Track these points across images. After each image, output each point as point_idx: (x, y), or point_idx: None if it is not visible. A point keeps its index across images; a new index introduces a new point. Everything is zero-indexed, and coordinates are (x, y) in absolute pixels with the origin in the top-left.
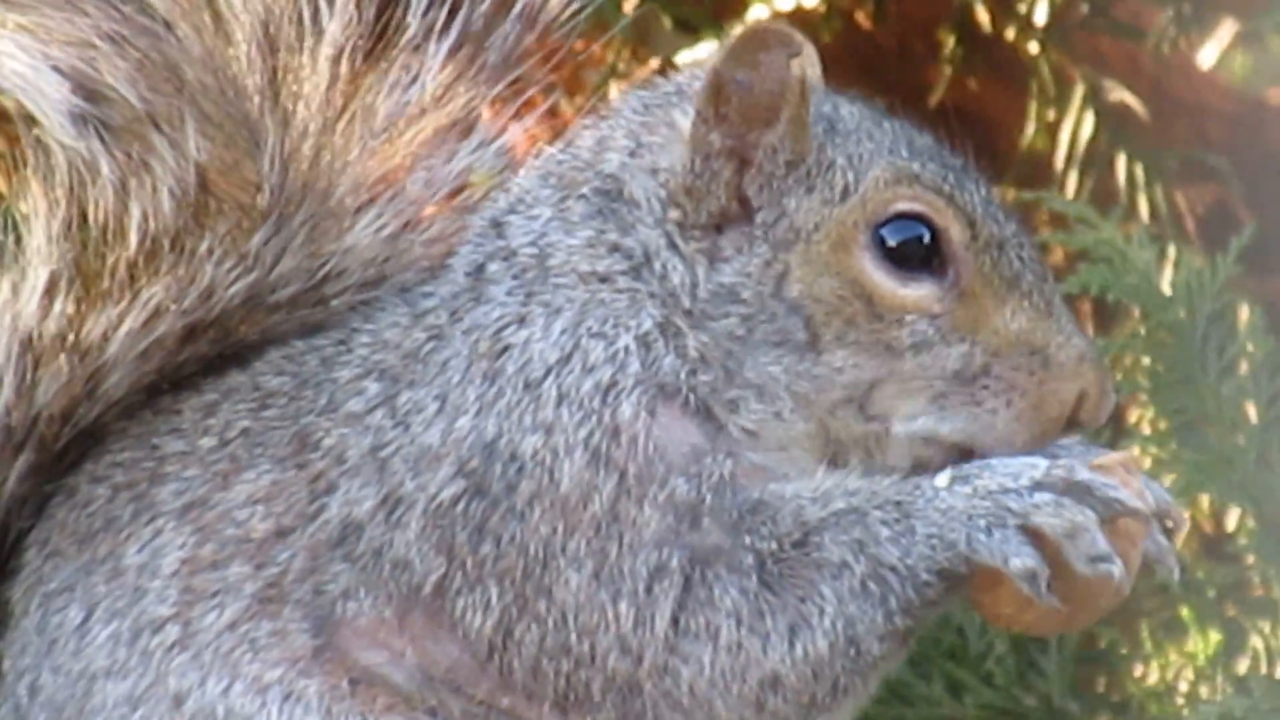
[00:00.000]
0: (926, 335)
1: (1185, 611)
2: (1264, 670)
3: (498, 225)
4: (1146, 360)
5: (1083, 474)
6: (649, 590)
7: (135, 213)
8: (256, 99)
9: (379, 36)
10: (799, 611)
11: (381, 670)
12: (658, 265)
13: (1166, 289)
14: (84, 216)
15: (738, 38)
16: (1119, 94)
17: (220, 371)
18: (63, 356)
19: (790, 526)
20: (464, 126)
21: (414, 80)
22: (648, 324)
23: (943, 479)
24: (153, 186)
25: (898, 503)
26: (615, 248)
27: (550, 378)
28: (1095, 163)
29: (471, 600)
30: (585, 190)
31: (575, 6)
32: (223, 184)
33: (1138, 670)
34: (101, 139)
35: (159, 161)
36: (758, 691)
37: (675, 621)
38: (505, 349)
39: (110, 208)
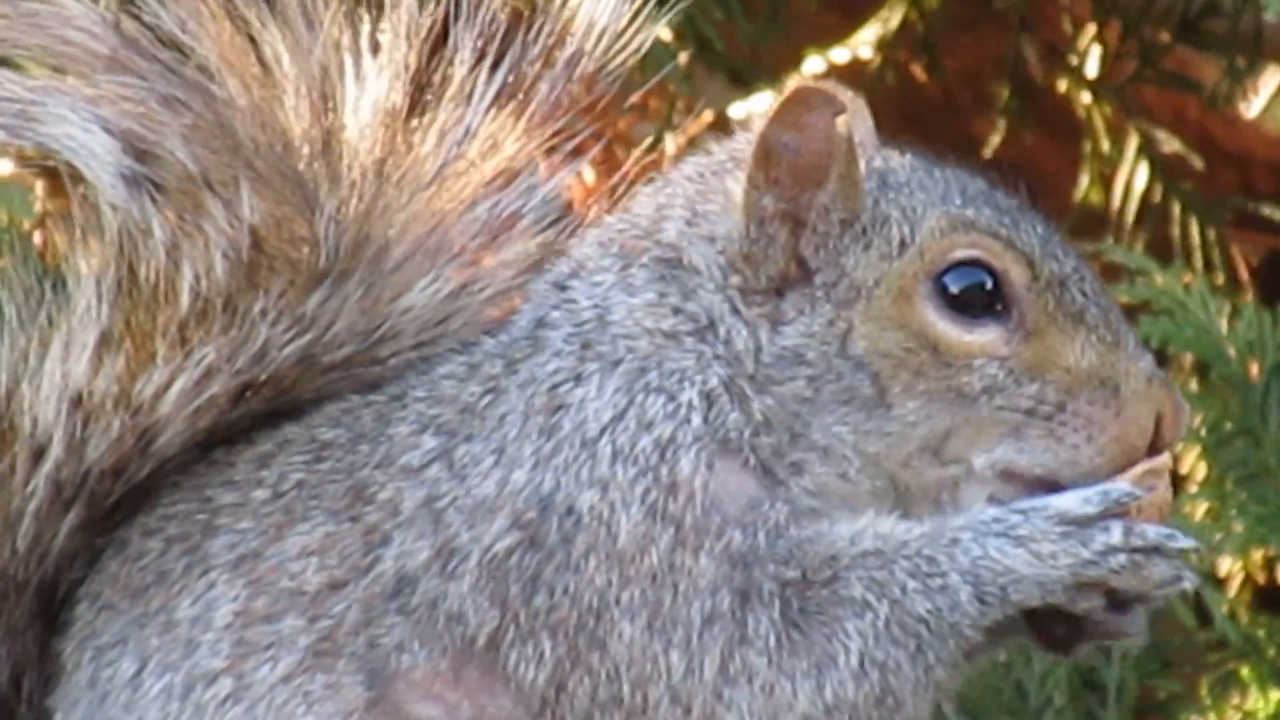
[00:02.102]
0: (997, 378)
1: (1244, 670)
2: None
3: (561, 287)
4: (1207, 413)
5: (1153, 537)
6: (700, 637)
7: (187, 274)
8: (306, 153)
9: (425, 87)
10: (825, 650)
11: None
12: (722, 330)
13: (1226, 341)
14: (134, 276)
15: (781, 101)
16: (1171, 145)
17: (274, 425)
18: (113, 414)
19: (820, 562)
20: (510, 174)
21: (461, 131)
22: (714, 381)
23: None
24: (205, 247)
25: (930, 558)
26: (679, 310)
27: (605, 435)
28: (1150, 214)
29: (524, 652)
30: (645, 259)
31: (621, 57)
32: (274, 241)
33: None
34: (153, 200)
35: (212, 223)
36: None
37: (723, 667)
38: (561, 407)
39: (161, 268)
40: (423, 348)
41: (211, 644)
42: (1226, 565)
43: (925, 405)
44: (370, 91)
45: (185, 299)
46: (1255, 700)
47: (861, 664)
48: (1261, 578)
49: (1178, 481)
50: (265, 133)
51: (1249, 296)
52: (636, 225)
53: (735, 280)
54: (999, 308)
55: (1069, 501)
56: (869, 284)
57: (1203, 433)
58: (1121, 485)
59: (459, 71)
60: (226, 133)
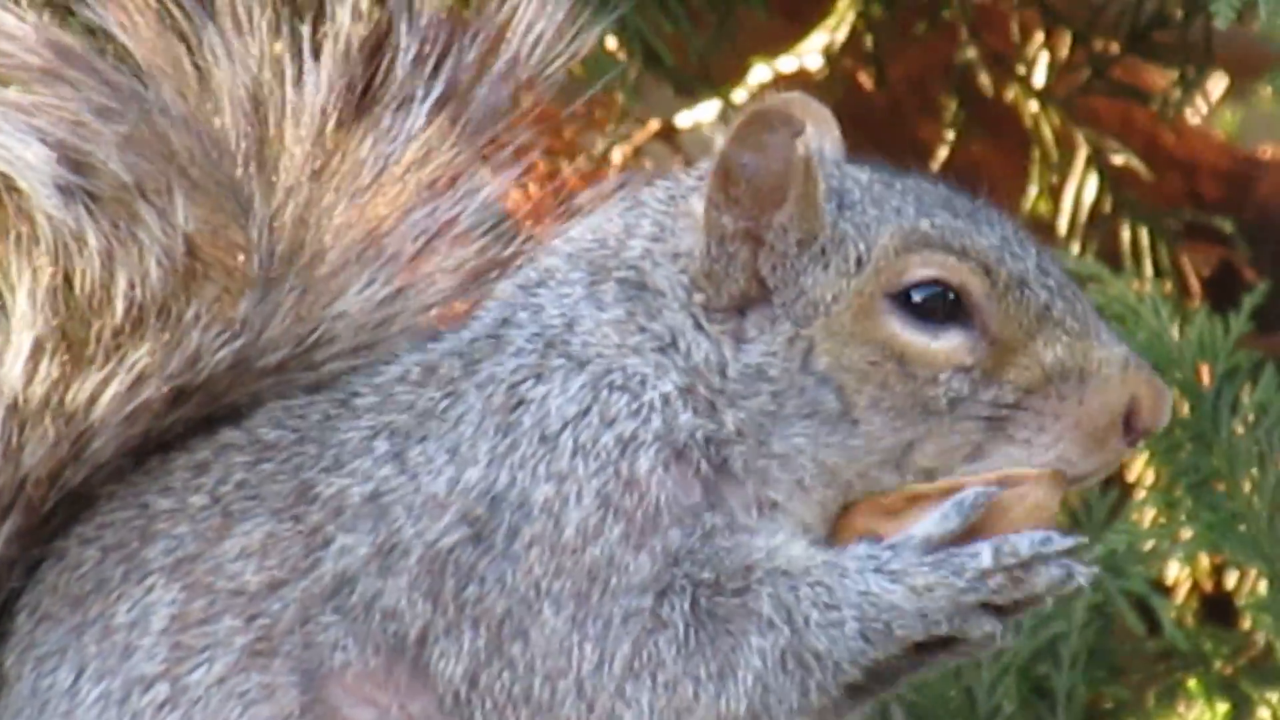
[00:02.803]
0: (962, 390)
1: (1191, 682)
2: None
3: (529, 292)
4: None
5: (1026, 550)
6: (616, 631)
7: (122, 281)
8: (241, 160)
9: (364, 92)
10: (728, 659)
11: None
12: (683, 344)
13: (1178, 348)
14: (70, 284)
15: (742, 120)
16: (1121, 155)
17: (210, 432)
18: (49, 420)
19: (734, 571)
20: (449, 180)
21: (399, 136)
22: (669, 387)
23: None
24: (140, 256)
25: (830, 588)
26: (644, 329)
27: (567, 430)
28: (1099, 224)
29: (446, 646)
30: (612, 279)
31: (559, 63)
32: (209, 249)
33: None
34: (88, 210)
35: (146, 232)
36: None
37: (631, 661)
38: (521, 403)
39: (97, 276)
40: (359, 352)
41: (148, 649)
42: (1175, 572)
43: (892, 419)
44: (308, 97)
45: (120, 306)
46: (1201, 712)
47: (754, 683)
48: (1209, 584)
49: (1128, 488)
50: (200, 140)
51: (1197, 306)
52: (605, 244)
53: (699, 298)
54: (961, 315)
55: (928, 526)
56: (828, 301)
57: (1153, 439)
58: (972, 489)
59: (398, 76)
60: (161, 141)
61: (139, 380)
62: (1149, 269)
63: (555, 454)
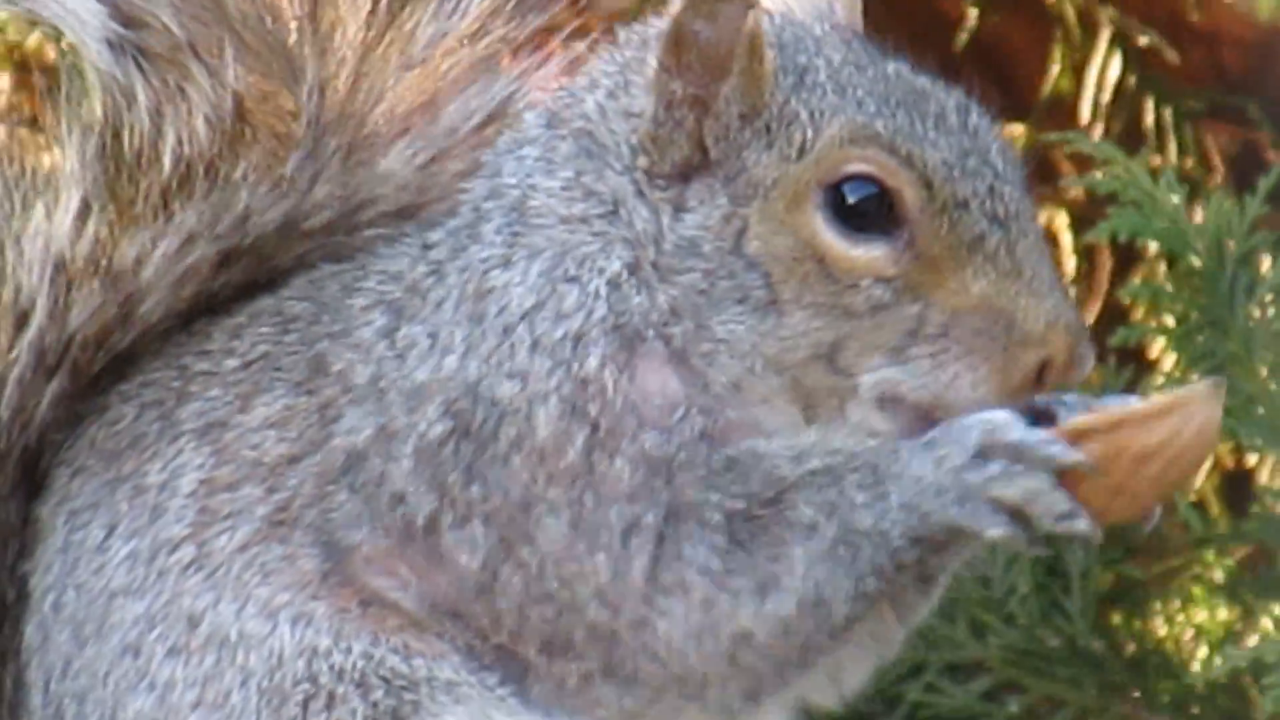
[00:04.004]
0: (883, 299)
1: (1196, 590)
2: None
3: (496, 168)
4: (1175, 304)
5: (1014, 435)
6: (624, 543)
7: (170, 138)
8: (295, 27)
9: None
10: (769, 571)
11: (391, 595)
12: (624, 213)
13: (1195, 231)
14: (119, 141)
15: None
16: (1145, 34)
17: (252, 297)
18: (96, 280)
19: (762, 485)
20: (507, 58)
21: (455, 9)
22: (616, 265)
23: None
24: (188, 113)
25: (874, 466)
26: (590, 192)
27: (524, 324)
28: (1122, 105)
29: (460, 537)
30: (569, 130)
31: None
32: (259, 113)
33: (1160, 609)
34: (138, 65)
35: (196, 89)
36: (730, 646)
37: (650, 577)
38: (489, 291)
39: (145, 133)
40: (400, 217)
41: (176, 511)
42: None
43: (813, 316)
44: None
45: (167, 163)
46: (1203, 619)
47: (801, 582)
48: (1230, 462)
49: (1145, 365)
50: (254, 6)
51: (1218, 186)
52: (572, 93)
53: (643, 162)
54: (890, 225)
55: (1001, 415)
56: (767, 183)
57: (1170, 323)
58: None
59: None
60: (215, 3)
61: (188, 241)
62: (1172, 152)
63: (515, 349)
